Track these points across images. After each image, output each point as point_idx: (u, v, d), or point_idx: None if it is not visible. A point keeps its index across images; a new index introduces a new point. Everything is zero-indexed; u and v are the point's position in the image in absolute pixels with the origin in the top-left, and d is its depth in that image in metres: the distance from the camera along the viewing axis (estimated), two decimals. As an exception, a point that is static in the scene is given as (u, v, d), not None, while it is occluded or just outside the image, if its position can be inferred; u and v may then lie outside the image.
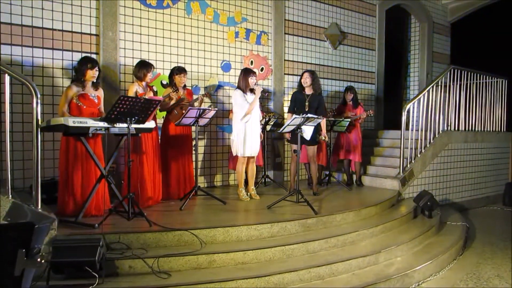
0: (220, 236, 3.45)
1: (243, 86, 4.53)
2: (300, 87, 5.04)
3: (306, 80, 4.93)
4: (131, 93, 4.17)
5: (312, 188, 5.24)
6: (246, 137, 4.49)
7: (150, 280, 2.84)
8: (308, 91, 4.97)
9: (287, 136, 5.00)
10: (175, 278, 2.90)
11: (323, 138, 5.01)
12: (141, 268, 2.95)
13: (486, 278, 3.82)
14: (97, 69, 3.84)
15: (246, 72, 4.56)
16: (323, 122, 4.97)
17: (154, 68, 4.45)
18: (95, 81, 3.87)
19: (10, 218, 2.74)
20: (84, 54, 4.21)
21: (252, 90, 4.55)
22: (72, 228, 3.31)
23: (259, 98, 4.54)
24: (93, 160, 3.62)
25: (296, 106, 4.96)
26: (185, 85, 4.83)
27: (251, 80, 4.51)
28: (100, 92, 3.98)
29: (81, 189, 3.72)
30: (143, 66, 4.30)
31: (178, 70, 4.71)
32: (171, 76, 4.74)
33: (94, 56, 4.62)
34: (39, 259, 1.59)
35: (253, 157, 4.70)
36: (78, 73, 3.79)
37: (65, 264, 2.66)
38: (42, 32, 4.33)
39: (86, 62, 3.79)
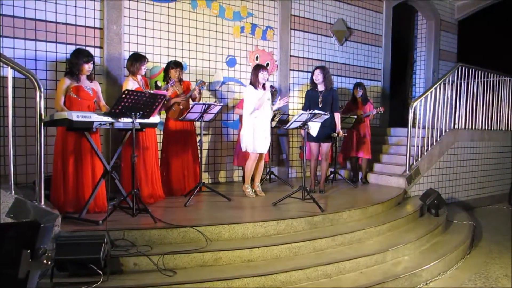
0: (225, 233, 3.40)
1: (254, 82, 4.50)
2: (313, 84, 5.00)
3: (318, 77, 4.88)
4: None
5: (318, 185, 5.18)
6: (255, 133, 4.45)
7: (155, 277, 2.79)
8: (321, 87, 4.93)
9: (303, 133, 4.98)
10: (180, 275, 2.85)
11: (335, 134, 4.92)
12: (146, 266, 2.90)
13: (495, 277, 3.76)
14: (93, 63, 3.76)
15: (256, 68, 4.54)
16: (337, 117, 4.91)
17: (147, 60, 4.29)
18: (89, 74, 3.79)
19: (12, 214, 2.69)
20: (88, 48, 4.13)
21: (264, 86, 4.51)
22: (76, 224, 3.26)
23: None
24: (97, 156, 3.57)
25: (310, 104, 4.92)
26: (181, 79, 4.76)
27: (261, 75, 4.47)
28: (95, 85, 3.89)
29: (78, 185, 3.63)
30: (136, 59, 4.15)
31: (175, 64, 4.64)
32: (166, 70, 4.66)
33: (98, 50, 4.57)
34: (44, 260, 1.49)
35: (262, 154, 4.65)
36: (73, 66, 3.68)
37: (69, 262, 2.61)
38: (45, 25, 4.26)
39: (82, 56, 3.69)
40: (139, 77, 4.23)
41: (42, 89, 2.99)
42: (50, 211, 2.93)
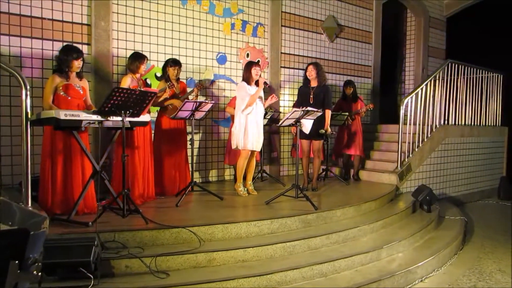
0: (219, 233, 3.33)
1: (247, 78, 4.45)
2: (306, 80, 4.96)
3: (311, 73, 4.85)
4: (124, 86, 4.00)
5: (310, 183, 5.15)
6: (247, 129, 4.38)
7: (148, 280, 2.72)
8: (314, 83, 4.89)
9: (293, 131, 4.93)
10: (174, 277, 2.78)
11: (323, 131, 4.87)
12: (138, 268, 2.82)
13: (488, 272, 3.78)
14: (82, 59, 3.66)
15: (249, 64, 4.49)
16: (327, 114, 4.84)
17: (147, 60, 4.28)
18: (78, 71, 3.68)
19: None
20: (75, 45, 4.01)
21: (257, 83, 4.45)
22: (65, 226, 3.16)
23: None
24: (86, 155, 3.47)
25: (302, 100, 4.88)
26: (178, 78, 4.69)
27: (254, 71, 4.42)
28: (85, 83, 3.79)
29: (66, 186, 3.52)
30: (136, 58, 4.13)
31: (173, 62, 4.57)
32: (164, 68, 4.60)
33: (85, 47, 4.45)
34: (35, 271, 1.37)
35: (254, 152, 4.59)
36: (62, 63, 3.57)
37: (58, 265, 2.52)
38: (31, 21, 4.13)
39: (72, 52, 3.57)
40: (138, 76, 4.17)
41: (28, 87, 2.89)
42: (37, 213, 2.81)
